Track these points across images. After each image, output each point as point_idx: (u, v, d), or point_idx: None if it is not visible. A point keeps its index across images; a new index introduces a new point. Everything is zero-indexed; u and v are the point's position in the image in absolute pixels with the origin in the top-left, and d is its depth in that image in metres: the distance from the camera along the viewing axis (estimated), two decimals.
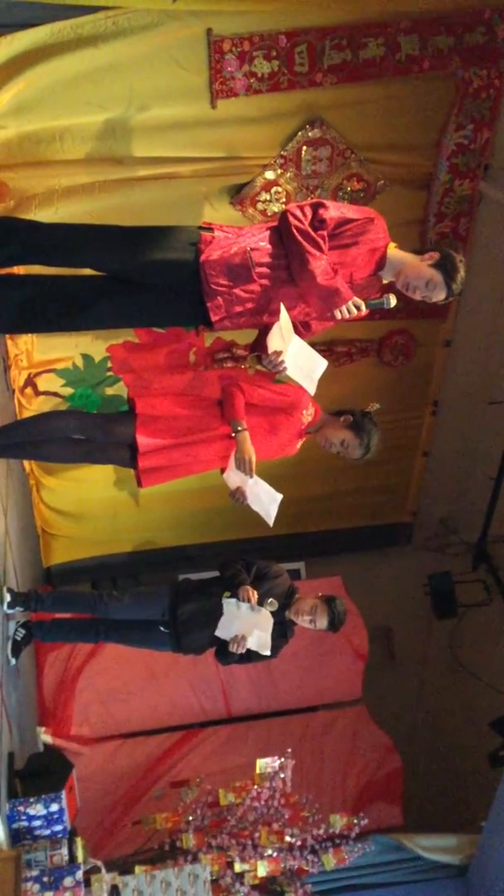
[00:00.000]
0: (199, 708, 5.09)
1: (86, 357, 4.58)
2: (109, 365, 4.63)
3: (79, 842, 3.43)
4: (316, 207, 3.24)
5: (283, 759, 4.03)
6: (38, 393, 4.62)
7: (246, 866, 3.79)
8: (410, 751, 5.52)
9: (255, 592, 3.59)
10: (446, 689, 5.94)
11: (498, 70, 3.99)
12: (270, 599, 3.61)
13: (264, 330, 3.34)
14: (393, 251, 3.32)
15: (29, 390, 4.58)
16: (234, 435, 3.41)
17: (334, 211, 3.24)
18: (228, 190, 4.17)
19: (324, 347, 4.62)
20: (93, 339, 4.51)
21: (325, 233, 3.20)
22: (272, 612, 3.58)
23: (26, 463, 4.77)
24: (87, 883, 3.26)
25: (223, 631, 3.55)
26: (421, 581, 5.71)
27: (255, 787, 3.98)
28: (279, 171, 4.14)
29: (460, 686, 5.65)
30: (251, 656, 3.67)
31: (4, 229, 3.34)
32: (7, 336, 4.31)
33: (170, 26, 3.65)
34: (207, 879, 3.46)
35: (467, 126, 4.12)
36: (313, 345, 3.39)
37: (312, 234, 3.17)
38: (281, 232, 3.25)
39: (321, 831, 3.90)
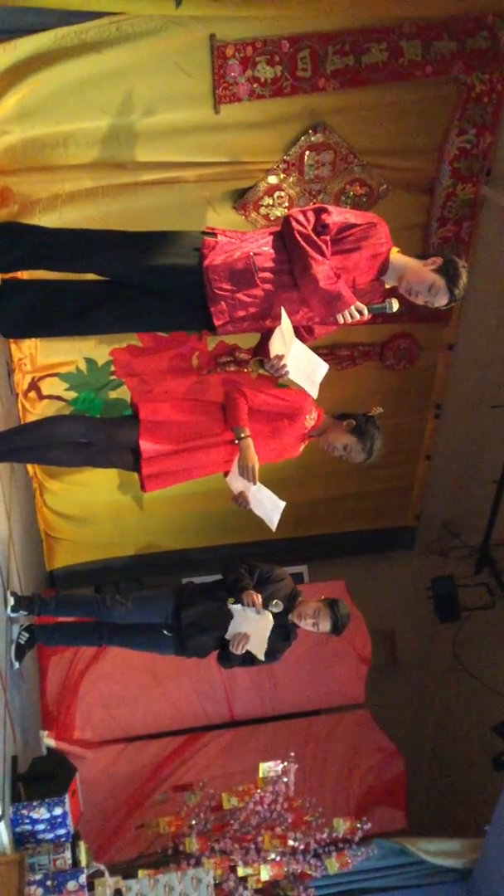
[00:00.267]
0: (202, 712, 5.07)
1: (89, 361, 4.58)
2: (113, 369, 4.64)
3: (82, 845, 3.43)
4: (319, 212, 3.25)
5: (286, 763, 4.02)
6: (41, 397, 4.62)
7: (249, 870, 3.77)
8: (414, 754, 5.51)
9: (259, 596, 3.60)
10: (449, 693, 5.94)
11: (500, 74, 4.00)
12: (276, 601, 3.62)
13: (267, 334, 3.35)
14: (395, 256, 3.32)
15: (32, 394, 4.59)
16: (237, 442, 3.42)
17: (337, 216, 3.25)
18: (231, 194, 4.18)
19: (326, 351, 4.62)
20: (96, 343, 4.51)
21: (327, 238, 3.21)
22: (276, 615, 3.59)
23: (29, 466, 4.77)
24: (91, 887, 3.25)
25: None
26: (424, 584, 5.70)
27: (259, 790, 3.97)
28: (282, 176, 4.15)
29: (463, 690, 5.65)
30: (253, 659, 3.68)
31: (9, 234, 3.36)
32: (11, 340, 4.32)
33: (173, 32, 3.66)
34: (210, 883, 3.44)
35: (470, 130, 4.13)
36: (316, 348, 3.40)
37: (315, 238, 3.18)
38: (284, 237, 3.26)
39: (324, 835, 3.89)
